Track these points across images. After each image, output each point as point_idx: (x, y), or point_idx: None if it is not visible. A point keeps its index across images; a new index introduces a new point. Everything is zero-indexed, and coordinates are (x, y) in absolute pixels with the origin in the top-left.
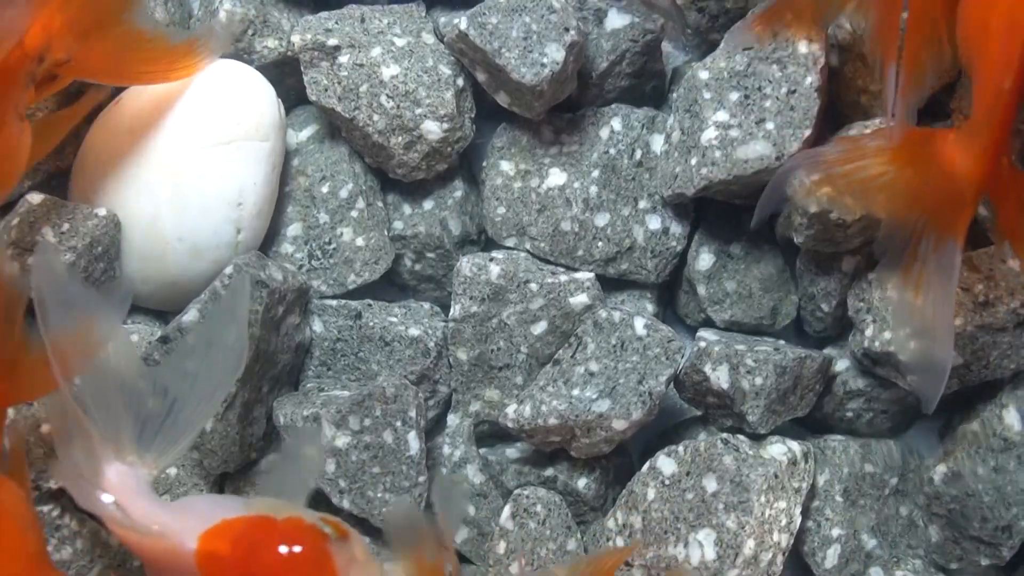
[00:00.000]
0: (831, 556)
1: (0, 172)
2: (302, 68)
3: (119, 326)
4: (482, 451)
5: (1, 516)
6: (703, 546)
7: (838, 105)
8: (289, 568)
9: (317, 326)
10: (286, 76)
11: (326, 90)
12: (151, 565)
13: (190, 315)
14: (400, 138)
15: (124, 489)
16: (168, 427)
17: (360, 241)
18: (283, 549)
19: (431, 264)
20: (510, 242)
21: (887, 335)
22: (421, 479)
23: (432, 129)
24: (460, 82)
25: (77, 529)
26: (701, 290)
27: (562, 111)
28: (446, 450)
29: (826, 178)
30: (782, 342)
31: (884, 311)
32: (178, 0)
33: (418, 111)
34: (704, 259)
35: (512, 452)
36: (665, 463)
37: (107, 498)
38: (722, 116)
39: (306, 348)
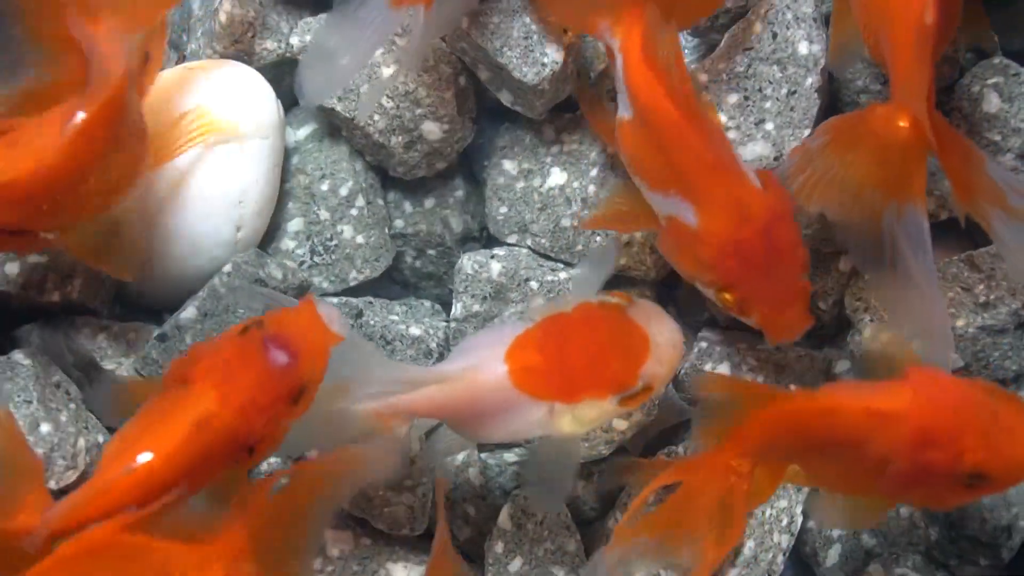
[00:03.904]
0: (832, 555)
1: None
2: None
3: None
4: (483, 456)
5: None
6: None
7: (838, 106)
8: (601, 346)
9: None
10: (285, 75)
11: None
12: (470, 417)
13: (188, 312)
14: (400, 138)
15: (404, 368)
16: None
17: (360, 239)
18: (589, 331)
19: (432, 261)
20: (512, 239)
21: (886, 336)
22: (424, 479)
23: (432, 129)
24: (462, 81)
25: None
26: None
27: (563, 110)
28: None
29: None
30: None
31: (882, 311)
32: None
33: (418, 111)
34: None
35: (511, 456)
36: None
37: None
38: (720, 118)
39: None
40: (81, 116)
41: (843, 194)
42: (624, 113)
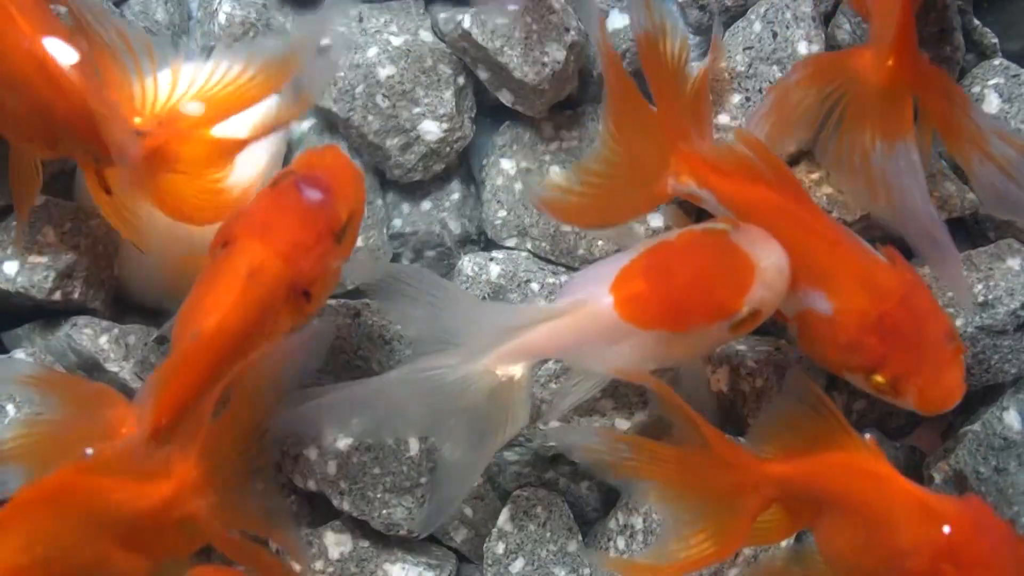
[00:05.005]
0: None
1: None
2: None
3: None
4: None
5: None
6: None
7: None
8: (705, 272)
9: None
10: None
11: (322, 90)
12: (582, 352)
13: None
14: (396, 139)
15: (510, 310)
16: None
17: (359, 241)
18: (691, 255)
19: (430, 263)
20: (511, 242)
21: None
22: (423, 480)
23: (431, 129)
24: (460, 80)
25: None
26: None
27: (563, 108)
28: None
29: (772, 127)
30: (783, 341)
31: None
32: (177, 1)
33: (416, 111)
34: None
35: (511, 455)
36: None
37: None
38: (723, 119)
39: None
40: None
41: (816, 124)
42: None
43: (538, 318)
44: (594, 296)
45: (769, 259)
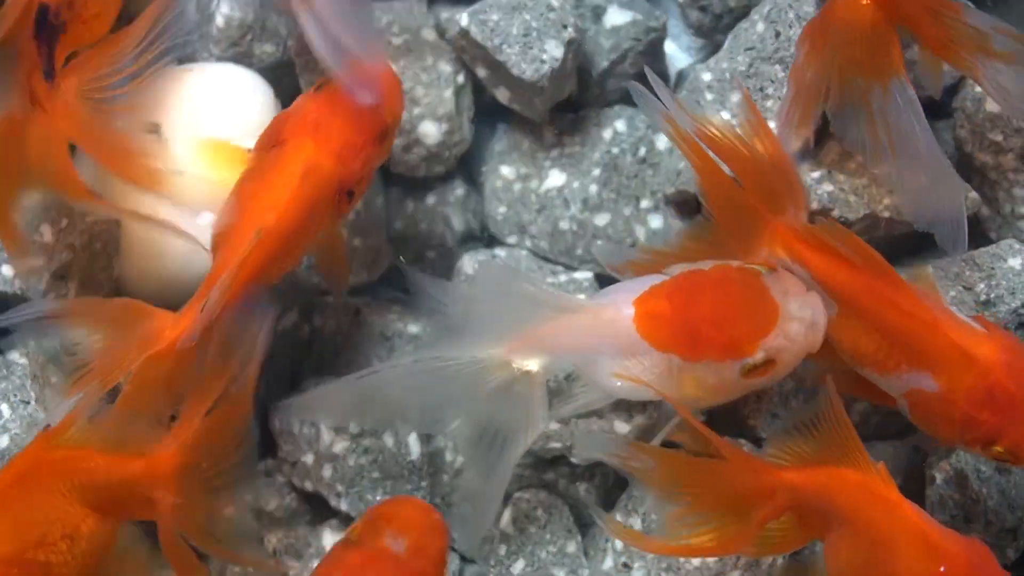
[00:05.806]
0: None
1: None
2: (297, 72)
3: None
4: None
5: None
6: None
7: None
8: (727, 307)
9: (316, 323)
10: (283, 78)
11: None
12: (593, 357)
13: None
14: (398, 140)
15: (540, 293)
16: None
17: (357, 242)
18: (720, 291)
19: (431, 263)
20: (512, 239)
21: None
22: (423, 484)
23: (430, 131)
24: (460, 79)
25: None
26: None
27: (564, 111)
28: (448, 456)
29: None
30: None
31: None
32: None
33: (416, 111)
34: None
35: None
36: None
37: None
38: (725, 117)
39: (304, 345)
40: None
41: (831, 86)
42: (830, 311)
43: (559, 305)
44: (617, 305)
45: (799, 312)
